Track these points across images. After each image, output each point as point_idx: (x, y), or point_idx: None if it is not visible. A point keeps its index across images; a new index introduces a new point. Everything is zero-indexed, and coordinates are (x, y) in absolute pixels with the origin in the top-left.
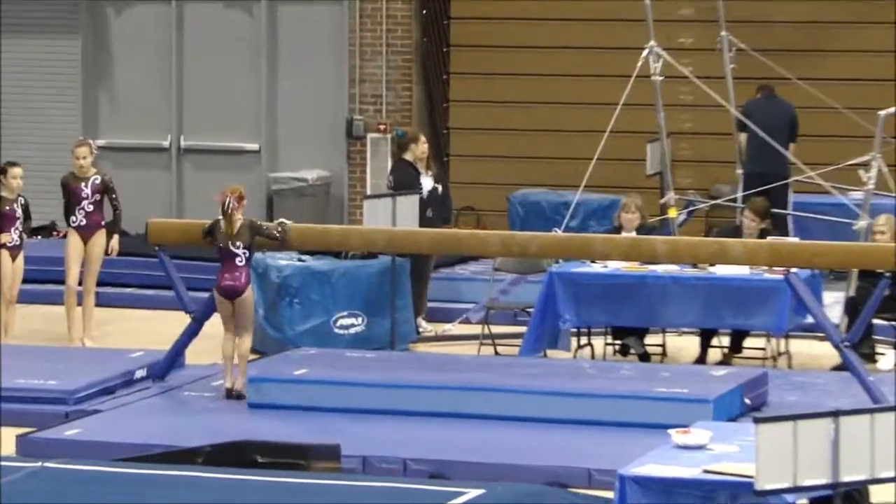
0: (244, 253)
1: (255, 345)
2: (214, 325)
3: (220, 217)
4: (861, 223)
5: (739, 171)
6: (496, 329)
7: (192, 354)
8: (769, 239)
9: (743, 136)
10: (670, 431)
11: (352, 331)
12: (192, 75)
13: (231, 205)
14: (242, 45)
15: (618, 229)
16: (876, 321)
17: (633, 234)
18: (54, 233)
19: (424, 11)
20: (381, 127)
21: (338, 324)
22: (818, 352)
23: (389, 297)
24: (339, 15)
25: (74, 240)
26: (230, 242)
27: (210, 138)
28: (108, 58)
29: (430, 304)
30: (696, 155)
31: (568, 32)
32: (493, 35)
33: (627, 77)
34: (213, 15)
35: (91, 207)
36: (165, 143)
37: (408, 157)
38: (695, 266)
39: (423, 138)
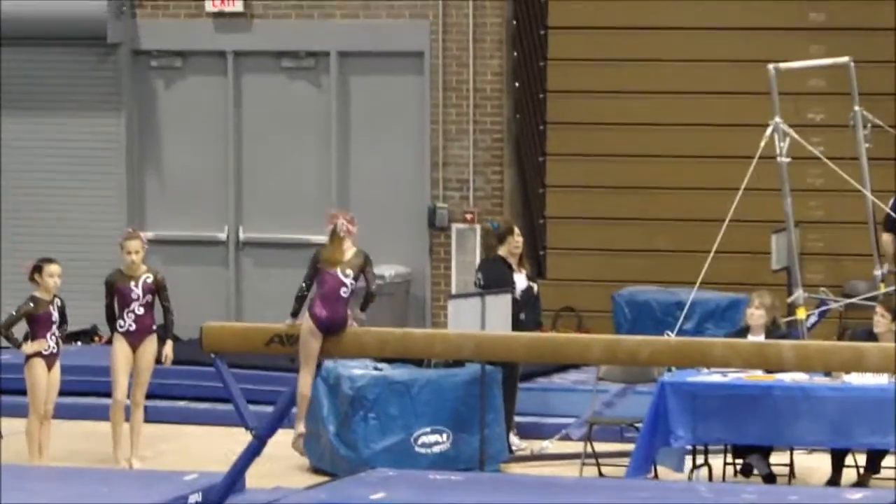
0: (351, 284)
1: (326, 465)
2: (277, 443)
3: (327, 243)
4: None
5: (877, 272)
6: (600, 447)
7: (253, 477)
8: None
9: (888, 238)
10: None
11: (435, 449)
12: (251, 158)
13: (344, 228)
14: (309, 122)
15: (744, 331)
16: None
17: (762, 336)
18: (95, 338)
19: (517, 84)
20: (468, 216)
21: (419, 441)
22: None
23: (478, 410)
24: (420, 88)
25: (122, 347)
26: (339, 269)
27: (273, 230)
28: (155, 138)
29: (525, 419)
30: (827, 247)
31: (680, 106)
32: (594, 111)
33: (749, 158)
34: (275, 88)
35: (141, 310)
36: (222, 236)
37: (501, 251)
38: (827, 375)
39: (517, 230)
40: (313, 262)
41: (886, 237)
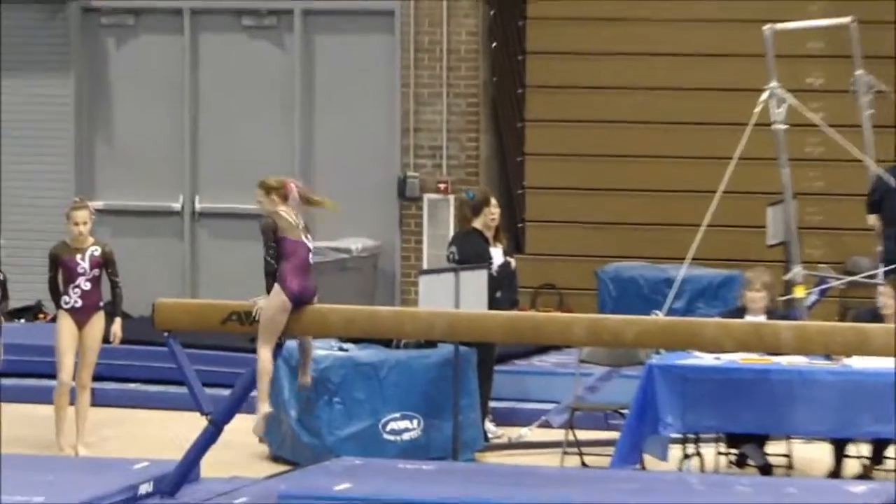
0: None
1: (287, 453)
2: (235, 430)
3: (280, 209)
4: None
5: (880, 248)
6: (582, 435)
7: (209, 466)
8: None
9: (873, 219)
10: None
11: (405, 436)
12: (209, 123)
13: (296, 196)
14: (271, 85)
15: (740, 311)
16: None
17: (763, 318)
18: (40, 315)
19: (494, 44)
20: (441, 186)
21: (388, 428)
22: None
23: (451, 395)
24: (389, 48)
25: (67, 324)
26: (304, 235)
27: (231, 199)
28: (106, 101)
29: (502, 404)
30: (827, 221)
31: (671, 69)
32: (577, 72)
33: (744, 125)
34: (235, 48)
35: (88, 285)
36: (177, 206)
37: (476, 224)
38: (828, 358)
39: (493, 201)
40: (271, 231)
41: (872, 219)
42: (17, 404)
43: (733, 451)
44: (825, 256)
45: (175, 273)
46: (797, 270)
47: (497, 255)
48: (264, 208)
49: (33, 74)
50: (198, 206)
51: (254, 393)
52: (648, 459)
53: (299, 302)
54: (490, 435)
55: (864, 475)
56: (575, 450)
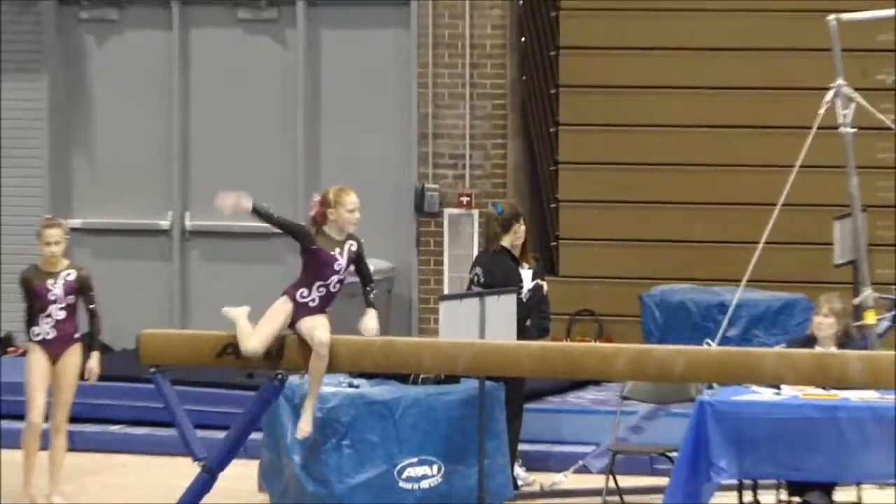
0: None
1: (290, 503)
2: (232, 477)
3: (310, 225)
4: None
5: None
6: (625, 481)
7: None
8: None
9: None
10: None
11: (423, 484)
12: (201, 130)
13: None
14: (272, 86)
15: (809, 340)
16: None
17: (833, 349)
18: (9, 349)
19: (523, 39)
20: (464, 199)
21: (404, 474)
22: None
23: (476, 436)
24: (404, 44)
25: (38, 359)
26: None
27: (226, 217)
28: (85, 105)
29: (534, 447)
30: None
31: (722, 65)
32: (616, 70)
33: (806, 129)
34: (230, 45)
35: (62, 314)
36: (165, 224)
37: (505, 242)
38: None
39: (523, 217)
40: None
41: None
42: None
43: (796, 498)
44: None
45: (163, 300)
46: (867, 293)
47: (527, 277)
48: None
49: (1, 76)
50: (188, 223)
51: (253, 436)
52: None
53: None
54: (520, 482)
55: None
56: (616, 498)
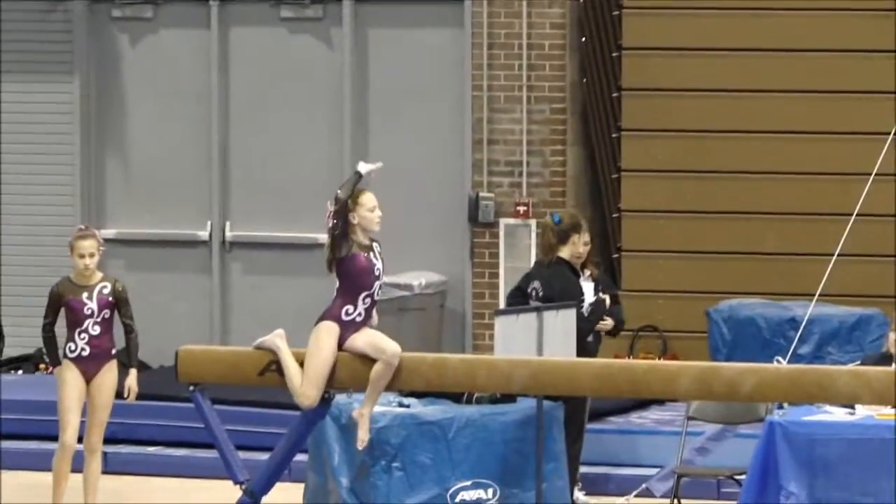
0: None
1: None
2: (274, 500)
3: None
4: None
5: None
6: None
7: None
8: None
9: None
10: None
11: None
12: (242, 136)
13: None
14: (317, 90)
15: (885, 358)
16: None
17: None
18: (41, 366)
19: (584, 39)
20: (521, 209)
21: (458, 498)
22: None
23: (533, 458)
24: (458, 44)
25: (73, 376)
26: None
27: (268, 227)
28: (119, 109)
29: (594, 469)
30: None
31: (795, 66)
32: (683, 72)
33: (884, 135)
34: (273, 44)
35: (97, 329)
36: (204, 234)
37: (563, 253)
38: None
39: (584, 227)
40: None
41: None
42: (14, 471)
43: None
44: None
45: (201, 315)
46: None
47: (589, 290)
48: None
49: (30, 78)
50: (228, 234)
51: (298, 457)
52: None
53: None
54: None
55: None
56: None
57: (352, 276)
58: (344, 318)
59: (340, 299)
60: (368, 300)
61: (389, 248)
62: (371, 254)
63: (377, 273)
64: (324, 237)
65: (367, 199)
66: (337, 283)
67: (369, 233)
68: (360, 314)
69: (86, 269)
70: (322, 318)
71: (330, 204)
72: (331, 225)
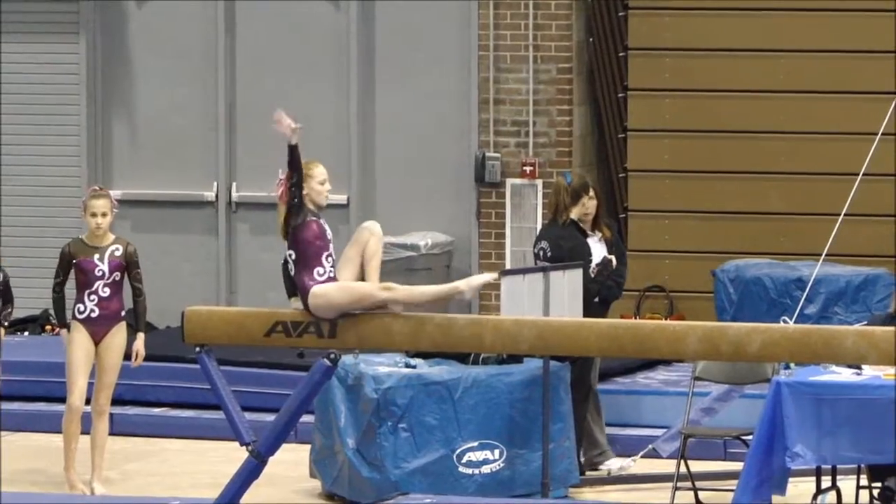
0: None
1: (343, 489)
2: (281, 462)
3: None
4: None
5: None
6: (697, 466)
7: None
8: None
9: None
10: None
11: (484, 469)
12: (248, 96)
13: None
14: (323, 50)
15: (892, 318)
16: None
17: None
18: (47, 327)
19: None
20: (527, 169)
21: (464, 459)
22: None
23: (540, 419)
24: (464, 4)
25: (81, 338)
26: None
27: (274, 188)
28: (125, 70)
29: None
30: None
31: (806, 27)
32: (688, 32)
33: (890, 95)
34: (278, 7)
35: (107, 291)
36: (210, 195)
37: (573, 214)
38: None
39: (592, 190)
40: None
41: None
42: (21, 433)
43: (877, 484)
44: None
45: (208, 275)
46: None
47: (599, 250)
48: None
49: (36, 38)
50: (235, 195)
51: (304, 419)
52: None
53: None
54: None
55: None
56: (688, 484)
57: (310, 241)
58: (318, 279)
59: (307, 268)
60: (330, 259)
61: (397, 208)
62: (321, 220)
63: (329, 236)
64: (332, 197)
65: (319, 171)
66: (293, 256)
67: (317, 205)
68: (329, 271)
69: (97, 227)
70: (302, 291)
71: (281, 172)
72: (286, 197)
